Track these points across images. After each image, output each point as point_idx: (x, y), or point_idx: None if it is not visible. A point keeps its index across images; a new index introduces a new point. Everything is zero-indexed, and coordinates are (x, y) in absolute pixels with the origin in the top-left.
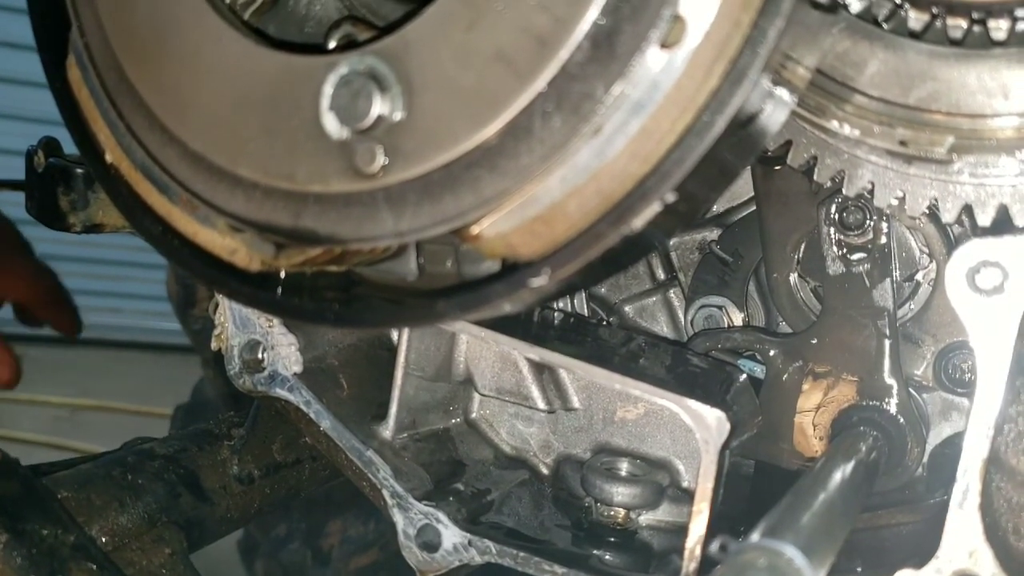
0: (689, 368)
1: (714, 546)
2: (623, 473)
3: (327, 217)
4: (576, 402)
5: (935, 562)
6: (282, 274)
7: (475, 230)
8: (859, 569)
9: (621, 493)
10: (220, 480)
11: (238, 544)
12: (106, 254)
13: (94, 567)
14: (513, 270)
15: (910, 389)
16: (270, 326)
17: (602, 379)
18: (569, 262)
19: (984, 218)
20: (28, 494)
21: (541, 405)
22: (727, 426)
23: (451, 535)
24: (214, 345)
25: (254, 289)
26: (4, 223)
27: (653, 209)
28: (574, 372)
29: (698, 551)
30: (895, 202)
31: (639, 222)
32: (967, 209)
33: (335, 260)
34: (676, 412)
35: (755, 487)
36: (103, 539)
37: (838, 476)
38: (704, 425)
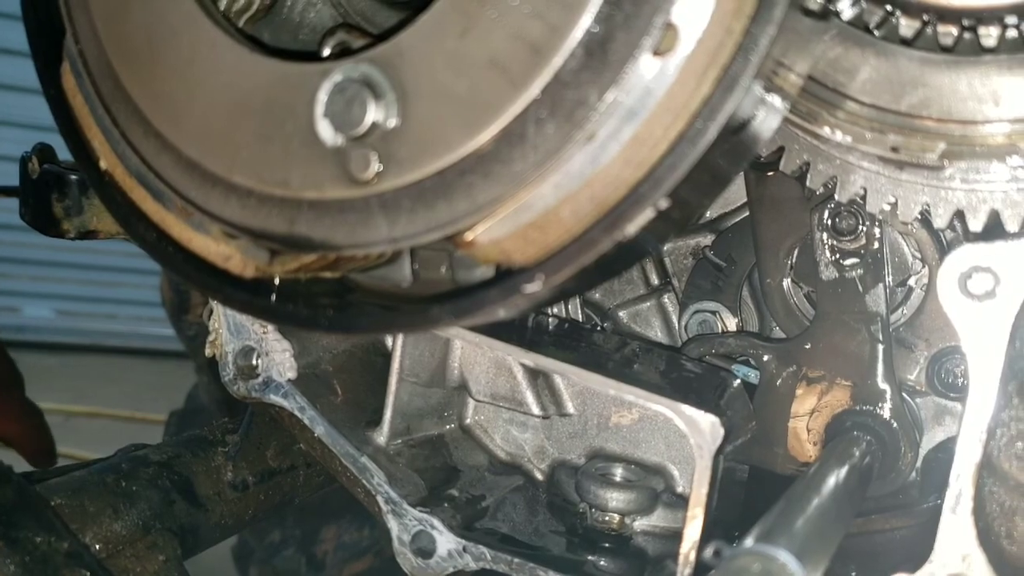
0: (683, 373)
1: (708, 551)
2: (618, 479)
3: (322, 223)
4: (570, 407)
5: (929, 566)
6: (276, 280)
7: (469, 236)
8: (853, 574)
9: (616, 499)
10: (214, 487)
11: (232, 550)
12: (101, 260)
13: (88, 574)
14: (507, 276)
15: (903, 394)
16: (264, 332)
17: (596, 384)
18: (563, 268)
19: (976, 223)
20: (21, 501)
21: (535, 411)
22: (721, 431)
23: (446, 541)
24: (208, 351)
25: (248, 295)
26: (3, 360)
27: (646, 215)
28: (568, 377)
29: (693, 556)
30: (887, 208)
31: (632, 228)
32: (959, 215)
33: (329, 266)
34: (670, 417)
35: (749, 492)
36: (97, 546)
37: (832, 481)
38: (698, 430)
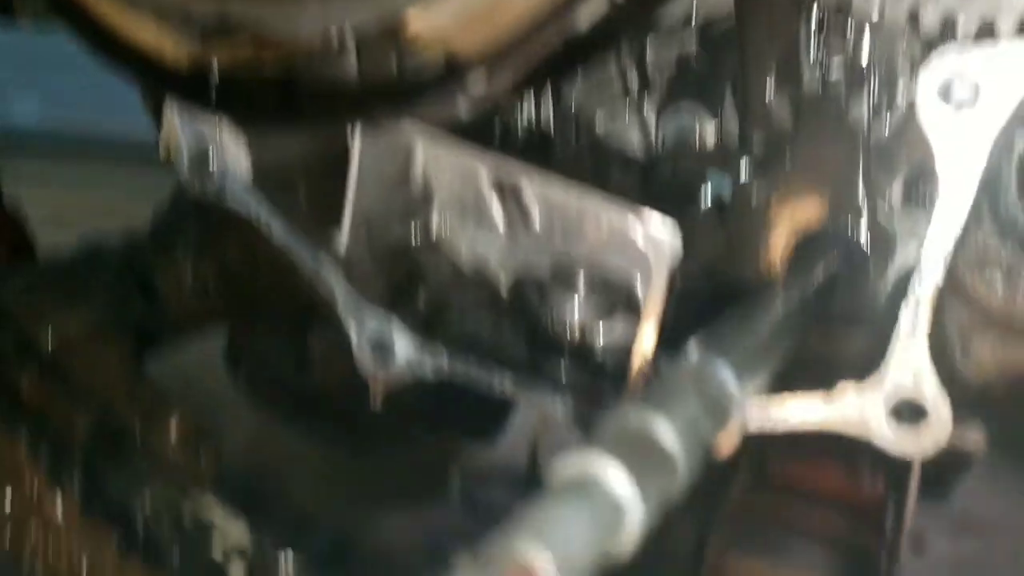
0: (652, 186)
1: (650, 364)
2: (581, 292)
3: (253, 7)
4: (537, 219)
5: (877, 384)
6: (215, 69)
7: (411, 24)
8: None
9: (578, 311)
10: (174, 286)
11: (222, 351)
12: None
13: (41, 374)
14: (453, 70)
15: (880, 211)
16: (219, 133)
17: (556, 193)
18: (512, 62)
19: (966, 27)
20: None
21: (501, 222)
22: (678, 247)
23: (404, 347)
24: (162, 153)
25: (188, 88)
26: None
27: (598, 7)
28: (532, 186)
29: (644, 368)
30: (875, 13)
31: (584, 22)
32: (948, 16)
33: (269, 61)
34: (627, 230)
35: (715, 307)
36: (54, 342)
37: (791, 296)
38: (654, 245)
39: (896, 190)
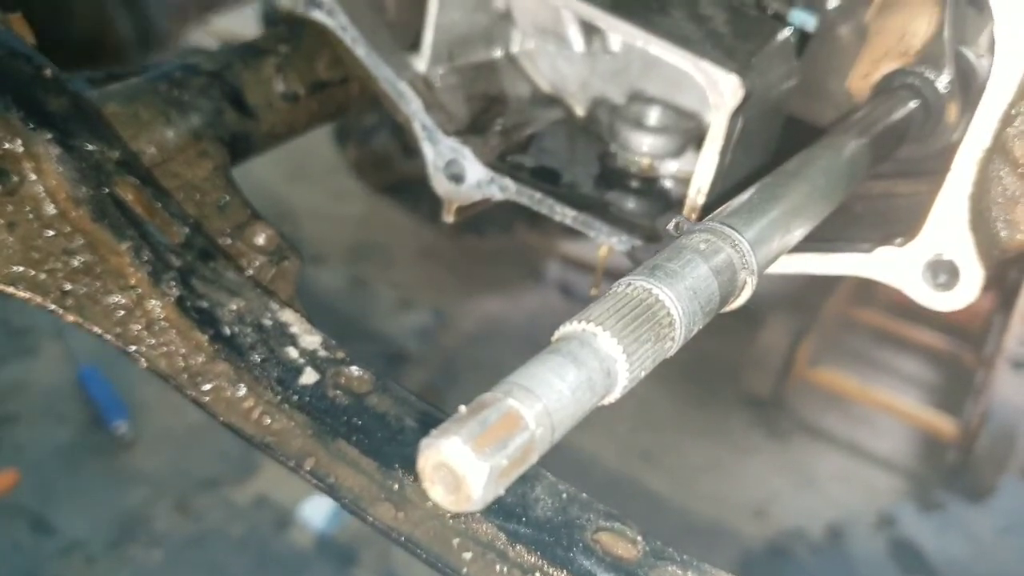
0: (725, 20)
1: (671, 223)
2: (652, 123)
3: None
4: (614, 46)
5: (915, 244)
6: None
7: None
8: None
9: (647, 143)
10: (265, 97)
11: (332, 130)
12: None
13: (136, 181)
14: None
15: (967, 57)
16: None
17: (624, 32)
18: None
19: None
20: (77, 111)
21: (578, 45)
22: (740, 92)
23: (475, 171)
24: None
25: None
26: None
27: None
28: (611, 25)
29: (699, 202)
30: None
31: None
32: None
33: None
34: (691, 73)
35: (790, 140)
36: (152, 150)
37: (846, 145)
38: (716, 89)
39: (986, 32)
